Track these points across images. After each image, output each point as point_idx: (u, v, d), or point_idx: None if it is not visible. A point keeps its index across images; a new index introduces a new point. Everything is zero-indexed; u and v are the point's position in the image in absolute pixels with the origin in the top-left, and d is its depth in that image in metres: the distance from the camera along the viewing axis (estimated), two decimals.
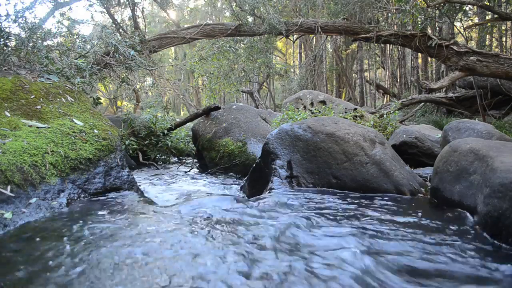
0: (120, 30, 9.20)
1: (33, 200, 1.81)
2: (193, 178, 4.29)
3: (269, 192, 2.41)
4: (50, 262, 1.23)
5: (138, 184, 2.63)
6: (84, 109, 2.75)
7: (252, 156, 4.34)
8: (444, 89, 10.05)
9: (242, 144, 4.58)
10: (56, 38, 3.80)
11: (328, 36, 15.17)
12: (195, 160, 5.57)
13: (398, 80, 17.43)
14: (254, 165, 3.00)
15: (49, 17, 9.20)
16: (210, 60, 9.68)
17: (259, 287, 1.07)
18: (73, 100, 2.76)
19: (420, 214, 1.88)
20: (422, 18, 7.81)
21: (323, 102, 6.76)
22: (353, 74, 21.59)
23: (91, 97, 3.95)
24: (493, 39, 15.50)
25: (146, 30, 11.92)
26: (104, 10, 9.95)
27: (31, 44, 3.12)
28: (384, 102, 17.88)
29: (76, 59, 3.91)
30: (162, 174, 4.63)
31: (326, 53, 18.07)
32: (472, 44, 13.07)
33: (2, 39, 2.95)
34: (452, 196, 1.95)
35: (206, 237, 1.45)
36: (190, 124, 6.31)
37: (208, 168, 4.80)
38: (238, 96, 22.29)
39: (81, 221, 1.71)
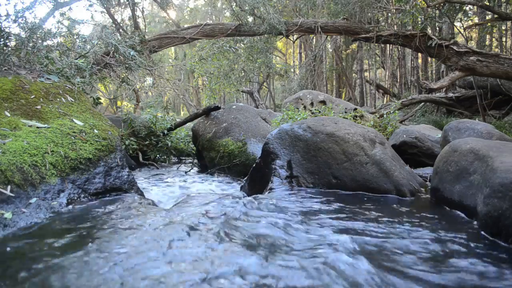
0: (120, 30, 9.19)
1: (33, 200, 1.81)
2: (193, 178, 4.29)
3: (269, 192, 2.41)
4: (49, 263, 1.23)
5: (138, 184, 2.63)
6: (84, 109, 2.75)
7: (252, 156, 4.34)
8: (444, 89, 10.05)
9: (242, 144, 4.58)
10: (56, 38, 3.79)
11: (328, 36, 15.17)
12: (195, 160, 5.56)
13: (398, 80, 17.43)
14: (254, 165, 3.00)
15: (49, 17, 9.19)
16: (210, 60, 9.68)
17: (250, 286, 1.07)
18: (73, 100, 2.76)
19: (420, 214, 1.88)
20: (422, 18, 7.81)
21: (323, 102, 6.75)
22: (353, 74, 21.60)
23: (91, 97, 3.95)
24: (493, 39, 15.50)
25: (146, 30, 11.92)
26: (104, 10, 9.94)
27: (31, 44, 3.12)
28: (384, 102, 17.89)
29: (76, 59, 3.91)
30: (162, 174, 4.63)
31: (326, 53, 18.07)
32: (472, 44, 13.06)
33: (2, 39, 2.95)
34: (452, 196, 1.95)
35: (206, 238, 1.45)
36: (190, 124, 6.31)
37: (208, 168, 4.79)
38: (238, 96, 22.29)
39: (80, 222, 1.71)
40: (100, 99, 4.22)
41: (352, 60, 20.87)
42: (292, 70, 21.56)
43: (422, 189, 2.46)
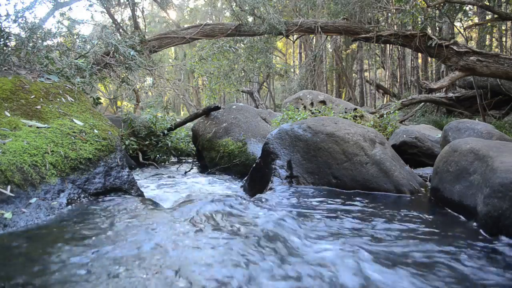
0: (120, 30, 9.19)
1: (33, 200, 1.81)
2: (193, 178, 4.28)
3: (269, 192, 2.41)
4: (49, 264, 1.23)
5: (138, 184, 2.63)
6: (84, 109, 2.75)
7: (252, 156, 4.34)
8: (444, 89, 10.05)
9: (242, 144, 4.58)
10: (56, 38, 3.79)
11: (328, 36, 15.17)
12: (195, 160, 5.56)
13: (398, 80, 17.44)
14: (254, 165, 3.00)
15: (49, 17, 9.19)
16: (210, 60, 9.67)
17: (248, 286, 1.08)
18: (73, 100, 2.76)
19: (420, 214, 1.88)
20: (422, 18, 7.81)
21: (323, 102, 6.75)
22: (353, 74, 21.60)
23: (91, 97, 3.95)
24: (493, 39, 15.50)
25: (146, 30, 11.92)
26: (104, 10, 9.94)
27: (31, 44, 3.11)
28: (384, 102, 17.89)
29: (76, 59, 3.91)
30: (162, 174, 4.63)
31: (326, 53, 18.07)
32: (472, 44, 13.06)
33: (2, 39, 2.95)
34: (452, 196, 1.95)
35: (205, 238, 1.45)
36: (190, 124, 6.31)
37: (208, 168, 4.79)
38: (238, 96, 22.30)
39: (80, 222, 1.71)
40: (100, 99, 4.23)
41: (352, 60, 20.87)
42: (292, 70, 21.57)
43: (422, 189, 2.46)
